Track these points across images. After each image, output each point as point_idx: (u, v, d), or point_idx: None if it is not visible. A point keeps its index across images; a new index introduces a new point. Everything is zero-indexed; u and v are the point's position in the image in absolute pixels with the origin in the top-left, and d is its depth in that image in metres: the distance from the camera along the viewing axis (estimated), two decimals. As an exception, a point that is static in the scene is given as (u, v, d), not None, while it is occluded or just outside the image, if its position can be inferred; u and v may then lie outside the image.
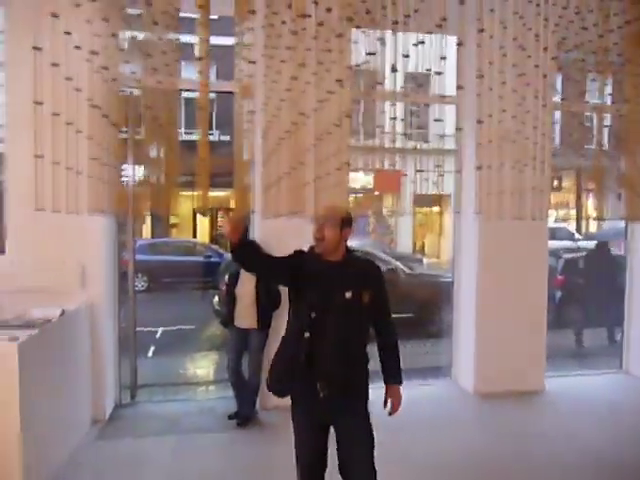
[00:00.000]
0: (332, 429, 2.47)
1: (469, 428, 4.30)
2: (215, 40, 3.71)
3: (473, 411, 4.71)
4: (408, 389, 5.05)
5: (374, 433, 2.45)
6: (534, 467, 3.66)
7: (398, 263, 8.07)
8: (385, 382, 2.57)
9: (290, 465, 2.56)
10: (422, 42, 4.12)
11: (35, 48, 3.56)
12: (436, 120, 5.32)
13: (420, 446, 3.93)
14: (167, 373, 6.14)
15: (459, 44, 4.15)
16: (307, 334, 2.33)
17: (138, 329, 4.99)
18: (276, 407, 4.41)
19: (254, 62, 4.12)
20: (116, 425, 4.24)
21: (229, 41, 4.09)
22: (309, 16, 4.14)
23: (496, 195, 4.70)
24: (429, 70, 4.23)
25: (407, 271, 8.03)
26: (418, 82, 4.93)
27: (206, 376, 6.05)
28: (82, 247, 4.11)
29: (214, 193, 4.40)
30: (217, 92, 5.44)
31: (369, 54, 4.16)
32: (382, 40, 4.14)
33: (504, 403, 4.77)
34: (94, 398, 4.21)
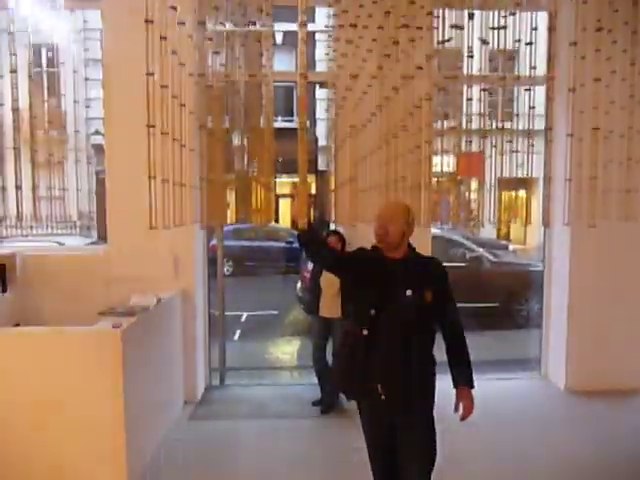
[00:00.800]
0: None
1: (558, 428, 4.11)
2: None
3: (563, 409, 4.50)
4: (492, 382, 5.03)
5: (436, 445, 2.37)
6: (631, 475, 3.45)
7: (482, 250, 7.82)
8: (455, 385, 2.40)
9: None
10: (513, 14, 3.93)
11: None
12: (531, 107, 5.05)
13: (503, 446, 3.81)
14: (253, 357, 6.36)
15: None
16: (365, 332, 2.28)
17: (225, 313, 5.19)
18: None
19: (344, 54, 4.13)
20: (207, 407, 4.46)
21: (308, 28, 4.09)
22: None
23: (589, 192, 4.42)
24: (518, 42, 4.08)
25: (492, 259, 7.76)
26: (506, 58, 4.70)
27: (290, 361, 6.19)
28: (174, 236, 4.30)
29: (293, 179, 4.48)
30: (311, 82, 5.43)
31: (455, 27, 3.97)
32: (470, 15, 3.98)
33: (598, 402, 4.53)
34: (186, 380, 4.44)
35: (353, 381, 2.34)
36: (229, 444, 3.80)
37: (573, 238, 4.70)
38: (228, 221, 4.51)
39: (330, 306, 4.30)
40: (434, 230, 8.64)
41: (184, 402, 4.43)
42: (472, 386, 2.40)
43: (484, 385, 4.99)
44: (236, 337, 7.45)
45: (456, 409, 2.38)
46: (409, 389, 2.28)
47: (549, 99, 4.91)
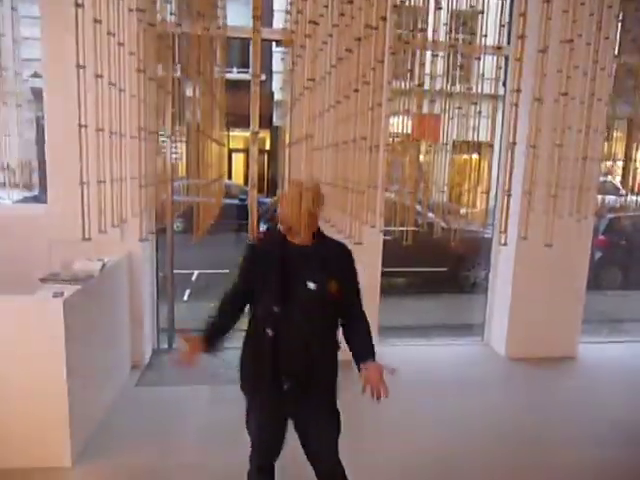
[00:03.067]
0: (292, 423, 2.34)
1: (497, 393, 4.32)
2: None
3: (503, 375, 4.71)
4: (436, 348, 5.21)
5: (341, 425, 2.31)
6: (561, 437, 3.66)
7: (433, 216, 7.93)
8: (358, 362, 2.17)
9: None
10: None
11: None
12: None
13: (444, 408, 3.97)
14: (202, 318, 6.29)
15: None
16: (270, 332, 2.14)
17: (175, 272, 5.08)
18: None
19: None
20: (153, 372, 4.41)
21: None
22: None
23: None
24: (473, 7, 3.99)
25: (444, 225, 7.89)
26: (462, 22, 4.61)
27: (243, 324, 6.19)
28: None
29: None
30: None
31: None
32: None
33: (536, 368, 4.76)
34: (133, 345, 4.37)
35: (262, 379, 2.20)
36: (174, 410, 3.79)
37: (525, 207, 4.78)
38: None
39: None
40: (390, 194, 8.73)
41: (131, 367, 4.36)
42: (374, 359, 2.21)
43: (427, 350, 5.19)
44: (185, 297, 7.37)
45: (364, 390, 2.10)
46: (314, 381, 2.20)
47: (518, 60, 4.83)
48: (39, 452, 3.01)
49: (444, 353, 5.14)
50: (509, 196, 3.34)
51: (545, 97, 4.27)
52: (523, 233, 4.74)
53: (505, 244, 4.19)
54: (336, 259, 2.25)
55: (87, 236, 2.15)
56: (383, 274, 7.41)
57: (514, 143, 4.72)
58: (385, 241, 7.43)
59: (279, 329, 2.14)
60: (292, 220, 2.16)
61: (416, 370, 4.62)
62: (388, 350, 5.02)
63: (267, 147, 15.14)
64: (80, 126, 2.77)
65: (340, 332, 2.30)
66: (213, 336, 2.26)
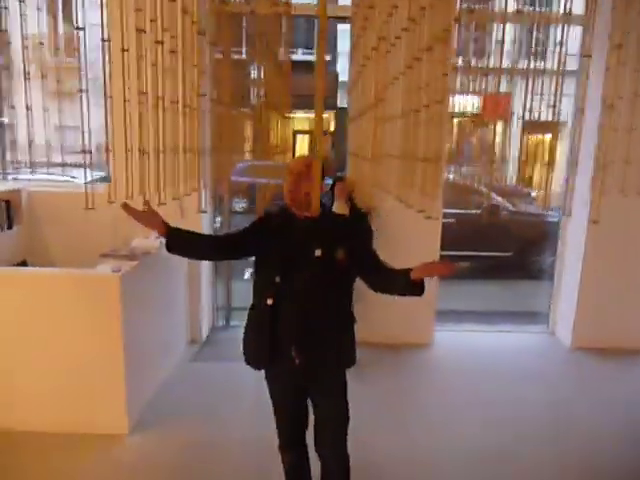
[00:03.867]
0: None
1: (560, 386, 4.08)
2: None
3: (567, 367, 4.46)
4: (497, 335, 5.01)
5: (349, 407, 2.26)
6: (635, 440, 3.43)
7: (499, 199, 7.61)
8: (407, 277, 1.99)
9: (374, 394, 2.48)
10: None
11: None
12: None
13: (502, 400, 3.80)
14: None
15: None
16: (270, 301, 2.09)
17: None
18: (370, 343, 4.45)
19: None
20: (210, 348, 4.52)
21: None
22: None
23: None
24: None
25: (510, 208, 7.57)
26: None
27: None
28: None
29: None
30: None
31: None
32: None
33: (604, 360, 4.48)
34: (191, 321, 4.48)
35: (263, 350, 2.15)
36: (228, 387, 3.86)
37: (596, 189, 4.47)
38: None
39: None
40: (451, 176, 8.45)
41: (189, 343, 4.48)
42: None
43: (488, 337, 5.00)
44: (246, 276, 7.48)
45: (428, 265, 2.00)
46: (324, 353, 2.13)
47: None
48: (98, 419, 3.15)
49: (506, 341, 4.94)
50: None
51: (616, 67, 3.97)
52: (594, 216, 4.47)
53: (569, 214, 3.92)
54: (345, 226, 2.22)
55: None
56: (445, 258, 7.24)
57: (582, 111, 4.42)
58: (448, 224, 7.25)
59: (280, 299, 2.09)
60: (301, 193, 2.10)
61: (475, 358, 4.49)
62: (447, 335, 4.89)
63: (332, 128, 15.05)
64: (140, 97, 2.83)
65: (371, 290, 2.18)
66: (180, 232, 2.15)
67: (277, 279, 2.09)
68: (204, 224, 4.50)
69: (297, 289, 2.08)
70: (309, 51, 13.28)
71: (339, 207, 4.20)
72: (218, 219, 5.04)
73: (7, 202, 4.06)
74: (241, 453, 3.09)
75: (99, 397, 3.13)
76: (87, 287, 3.05)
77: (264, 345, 2.14)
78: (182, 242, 2.18)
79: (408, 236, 4.45)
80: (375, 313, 4.47)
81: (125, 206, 2.11)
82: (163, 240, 2.15)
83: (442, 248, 6.38)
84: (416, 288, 2.02)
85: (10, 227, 4.09)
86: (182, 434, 3.25)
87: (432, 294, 4.56)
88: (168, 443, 3.16)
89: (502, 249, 7.25)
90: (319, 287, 2.09)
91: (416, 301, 4.38)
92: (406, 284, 2.01)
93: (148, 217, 2.11)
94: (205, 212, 4.34)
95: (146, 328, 3.45)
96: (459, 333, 5.03)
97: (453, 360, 4.44)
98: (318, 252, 2.06)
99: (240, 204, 12.35)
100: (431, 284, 4.39)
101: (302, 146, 15.31)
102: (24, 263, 4.07)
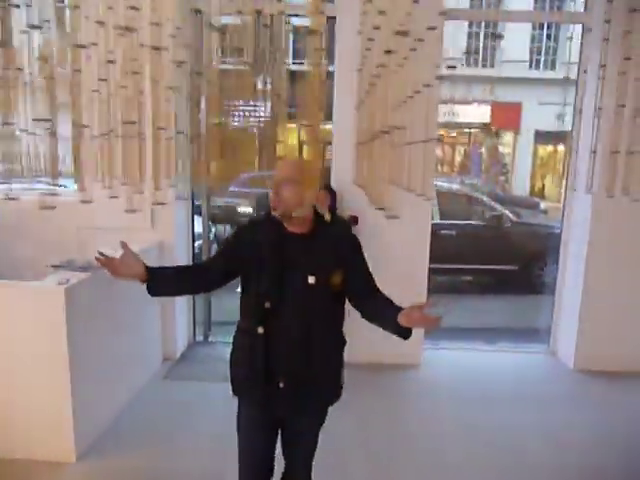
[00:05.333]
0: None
1: (561, 410, 3.74)
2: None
3: (569, 390, 4.11)
4: (496, 354, 4.68)
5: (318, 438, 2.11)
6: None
7: (501, 208, 7.29)
8: (395, 320, 1.85)
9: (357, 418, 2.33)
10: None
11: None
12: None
13: (496, 427, 3.47)
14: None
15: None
16: (261, 329, 1.87)
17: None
18: (355, 364, 4.18)
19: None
20: (185, 365, 4.25)
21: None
22: None
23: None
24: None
25: (514, 219, 7.24)
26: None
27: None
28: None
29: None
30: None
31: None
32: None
33: (608, 383, 4.12)
34: (165, 336, 4.23)
35: (255, 380, 1.93)
36: (197, 409, 3.58)
37: (596, 202, 4.16)
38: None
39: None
40: (454, 186, 8.17)
41: (162, 360, 4.23)
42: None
43: (483, 357, 4.68)
44: (238, 289, 7.24)
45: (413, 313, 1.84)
46: (315, 383, 1.94)
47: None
48: (43, 445, 2.90)
49: (503, 361, 4.61)
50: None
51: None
52: (595, 226, 4.15)
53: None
54: (340, 246, 1.96)
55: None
56: (445, 271, 6.95)
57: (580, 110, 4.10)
58: (448, 236, 6.96)
59: (271, 327, 1.87)
60: (292, 203, 1.85)
61: (467, 380, 4.17)
62: (437, 354, 4.58)
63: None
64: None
65: (360, 316, 2.06)
66: (158, 273, 1.97)
67: (267, 305, 1.86)
68: (178, 235, 4.27)
69: (289, 316, 1.88)
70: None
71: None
72: (197, 243, 4.84)
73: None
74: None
75: (43, 421, 2.88)
76: (30, 300, 2.81)
77: (257, 376, 1.92)
78: (164, 284, 2.00)
79: (395, 248, 4.18)
80: (356, 330, 4.18)
81: (100, 259, 1.90)
82: (135, 248, 1.93)
83: (441, 261, 6.08)
84: (402, 332, 1.88)
85: (-27, 236, 3.90)
86: (134, 463, 2.97)
87: (420, 310, 4.26)
88: (115, 473, 2.89)
89: (506, 262, 6.91)
90: (312, 313, 1.90)
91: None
92: (395, 325, 1.86)
93: (126, 266, 1.91)
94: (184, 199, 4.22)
95: (101, 345, 3.20)
96: (451, 352, 4.71)
97: (443, 382, 4.12)
98: (311, 280, 1.86)
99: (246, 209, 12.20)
100: (419, 297, 4.15)
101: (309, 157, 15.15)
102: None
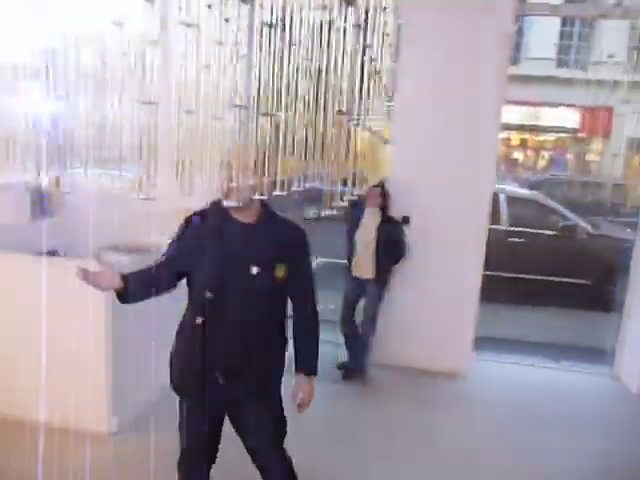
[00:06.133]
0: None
1: (614, 437, 3.45)
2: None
3: (627, 414, 3.80)
4: (556, 372, 4.40)
5: (286, 427, 2.06)
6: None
7: (575, 218, 6.82)
8: (296, 369, 2.02)
9: (385, 428, 2.25)
10: None
11: None
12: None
13: (539, 447, 3.26)
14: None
15: None
16: (199, 320, 1.85)
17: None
18: (389, 365, 4.11)
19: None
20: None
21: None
22: None
23: None
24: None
25: (590, 230, 6.77)
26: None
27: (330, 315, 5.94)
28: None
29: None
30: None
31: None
32: None
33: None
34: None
35: (193, 379, 1.90)
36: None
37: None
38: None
39: (363, 266, 3.91)
40: (524, 192, 7.76)
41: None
42: (315, 373, 2.05)
43: (538, 373, 4.41)
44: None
45: (294, 397, 2.02)
46: (254, 379, 1.93)
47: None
48: (83, 414, 3.06)
49: (560, 380, 4.33)
50: None
51: None
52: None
53: None
54: (288, 242, 1.93)
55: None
56: (511, 280, 6.62)
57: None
58: (516, 243, 6.62)
59: (211, 318, 1.84)
60: (251, 191, 1.84)
61: (516, 396, 3.95)
62: (491, 366, 4.38)
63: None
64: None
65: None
66: (130, 281, 1.92)
67: (208, 295, 1.83)
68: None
69: (231, 308, 1.85)
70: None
71: (369, 216, 3.89)
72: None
73: (43, 192, 4.15)
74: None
75: (85, 392, 3.03)
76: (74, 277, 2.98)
77: (194, 370, 1.89)
78: (135, 293, 1.94)
79: (449, 249, 4.03)
80: (397, 332, 4.11)
81: (79, 273, 1.88)
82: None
83: (508, 270, 5.81)
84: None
85: (45, 216, 4.18)
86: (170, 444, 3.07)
87: (468, 316, 4.10)
88: (150, 447, 2.99)
89: (578, 275, 6.49)
90: (255, 306, 1.87)
91: (449, 322, 3.96)
92: (297, 362, 2.02)
93: (104, 278, 1.90)
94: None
95: (143, 323, 3.32)
96: (503, 365, 4.49)
97: (489, 397, 3.91)
98: (254, 270, 1.83)
99: (312, 211, 12.30)
100: (469, 304, 3.99)
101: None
102: (54, 252, 4.12)
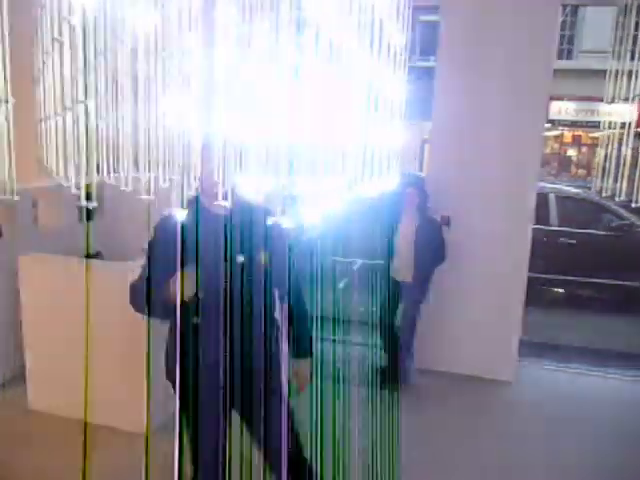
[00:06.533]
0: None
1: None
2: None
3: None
4: (606, 379, 4.17)
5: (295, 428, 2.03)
6: None
7: (631, 217, 6.47)
8: (294, 354, 2.08)
9: (424, 438, 2.21)
10: None
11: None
12: None
13: (589, 461, 3.08)
14: (347, 307, 6.11)
15: None
16: (195, 319, 1.80)
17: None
18: (430, 370, 4.01)
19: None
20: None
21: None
22: None
23: None
24: None
25: (648, 230, 6.42)
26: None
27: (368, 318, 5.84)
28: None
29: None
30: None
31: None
32: None
33: None
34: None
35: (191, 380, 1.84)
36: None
37: None
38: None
39: (401, 268, 3.83)
40: (575, 190, 7.45)
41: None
42: (311, 354, 2.11)
43: (593, 381, 4.19)
44: (340, 285, 7.23)
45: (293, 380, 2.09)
46: (257, 371, 1.92)
47: None
48: (119, 415, 3.12)
49: (616, 389, 4.11)
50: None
51: None
52: None
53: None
54: (263, 225, 1.86)
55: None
56: (562, 283, 6.35)
57: None
58: (567, 244, 6.35)
59: (206, 316, 1.81)
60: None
61: (567, 405, 3.75)
62: (539, 373, 4.20)
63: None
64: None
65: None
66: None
67: (200, 294, 1.79)
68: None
69: (223, 301, 1.81)
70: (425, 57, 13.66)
71: (406, 217, 3.80)
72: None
73: (87, 195, 4.26)
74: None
75: (123, 393, 3.09)
76: (117, 279, 3.03)
77: (196, 368, 1.84)
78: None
79: (491, 249, 3.90)
80: (439, 336, 4.01)
81: None
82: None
83: (558, 272, 5.61)
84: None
85: (90, 219, 4.30)
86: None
87: (513, 320, 3.94)
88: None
89: (635, 278, 6.16)
90: (247, 298, 1.85)
91: (493, 326, 3.80)
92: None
93: None
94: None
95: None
96: (552, 372, 4.28)
97: (535, 406, 3.74)
98: (240, 258, 1.82)
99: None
100: (514, 307, 3.83)
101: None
102: (98, 254, 4.24)
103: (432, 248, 3.73)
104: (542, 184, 6.20)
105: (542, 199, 6.75)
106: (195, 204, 1.81)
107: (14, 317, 3.39)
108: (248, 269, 1.83)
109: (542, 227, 6.00)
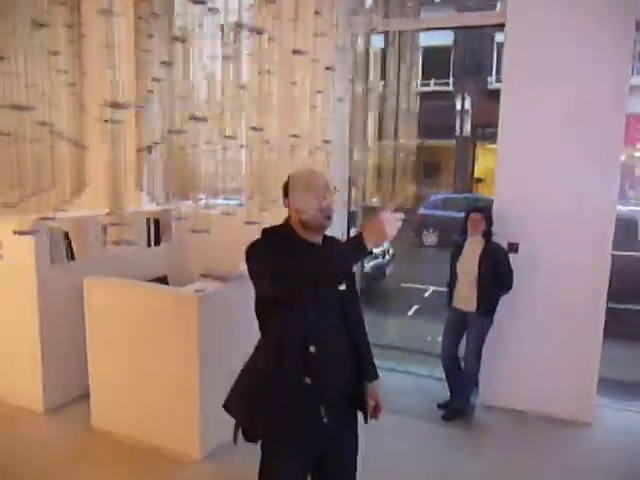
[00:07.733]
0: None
1: None
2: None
3: None
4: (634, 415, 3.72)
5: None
6: None
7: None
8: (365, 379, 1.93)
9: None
10: None
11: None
12: None
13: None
14: (414, 337, 5.93)
15: None
16: (312, 348, 1.68)
17: (404, 285, 4.80)
18: (496, 406, 3.76)
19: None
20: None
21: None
22: None
23: None
24: None
25: None
26: None
27: (430, 348, 5.59)
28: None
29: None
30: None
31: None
32: None
33: None
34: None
35: (298, 414, 1.70)
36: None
37: None
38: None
39: (465, 297, 3.64)
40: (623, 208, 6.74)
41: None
42: (377, 376, 1.99)
43: (624, 417, 3.77)
44: (410, 312, 7.04)
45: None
46: (355, 400, 1.89)
47: None
48: (170, 438, 3.14)
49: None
50: None
51: None
52: None
53: None
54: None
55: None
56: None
57: None
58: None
59: (319, 343, 1.70)
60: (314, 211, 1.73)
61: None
62: (619, 415, 3.81)
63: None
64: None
65: None
66: None
67: (310, 317, 1.70)
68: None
69: (331, 330, 1.78)
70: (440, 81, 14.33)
71: (471, 244, 3.62)
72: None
73: (157, 221, 4.43)
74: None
75: (171, 414, 3.11)
76: (171, 304, 3.09)
77: (307, 406, 1.72)
78: None
79: (564, 278, 3.62)
80: (506, 370, 3.76)
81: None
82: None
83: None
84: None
85: (157, 244, 4.45)
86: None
87: (591, 355, 3.61)
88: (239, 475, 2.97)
89: None
90: (347, 324, 1.83)
91: (567, 361, 3.51)
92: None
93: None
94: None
95: (231, 351, 3.33)
96: (635, 414, 3.87)
97: (613, 448, 3.39)
98: (343, 286, 1.81)
99: (430, 237, 11.94)
100: (591, 341, 3.50)
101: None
102: (164, 278, 4.36)
103: (497, 277, 3.52)
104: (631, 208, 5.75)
105: (628, 224, 6.27)
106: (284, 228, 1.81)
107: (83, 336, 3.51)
108: (347, 296, 1.84)
109: (628, 254, 5.56)
